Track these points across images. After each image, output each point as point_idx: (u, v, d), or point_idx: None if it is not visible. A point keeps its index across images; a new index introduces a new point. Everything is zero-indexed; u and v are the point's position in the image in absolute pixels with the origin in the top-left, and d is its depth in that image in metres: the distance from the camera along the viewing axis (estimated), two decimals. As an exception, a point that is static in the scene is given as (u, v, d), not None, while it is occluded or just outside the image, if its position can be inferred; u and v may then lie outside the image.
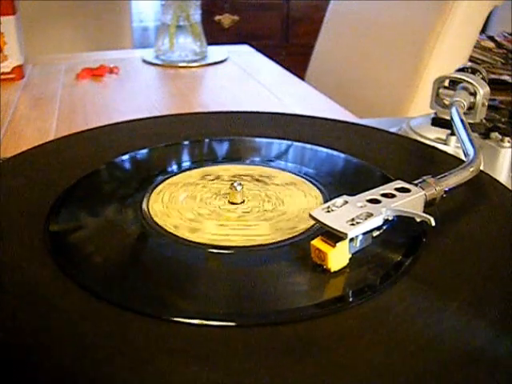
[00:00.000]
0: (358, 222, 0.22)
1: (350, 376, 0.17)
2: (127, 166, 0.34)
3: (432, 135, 0.41)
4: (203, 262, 0.24)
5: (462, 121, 0.33)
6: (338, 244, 0.22)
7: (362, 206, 0.23)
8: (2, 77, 0.76)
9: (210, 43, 0.93)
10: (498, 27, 1.49)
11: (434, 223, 0.22)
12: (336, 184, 0.31)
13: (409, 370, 0.17)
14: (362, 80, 0.92)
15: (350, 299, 0.21)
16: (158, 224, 0.26)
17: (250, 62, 0.92)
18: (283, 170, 0.33)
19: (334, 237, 0.22)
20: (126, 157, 0.34)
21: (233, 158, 0.34)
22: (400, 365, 0.18)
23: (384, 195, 0.24)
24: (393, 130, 0.44)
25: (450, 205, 0.28)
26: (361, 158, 0.33)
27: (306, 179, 0.31)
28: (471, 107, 0.38)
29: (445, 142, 0.40)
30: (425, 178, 0.25)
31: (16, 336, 0.19)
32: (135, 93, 0.74)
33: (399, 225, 0.24)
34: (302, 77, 0.91)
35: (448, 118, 0.37)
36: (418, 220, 0.23)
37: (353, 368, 0.17)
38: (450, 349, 0.18)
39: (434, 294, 0.21)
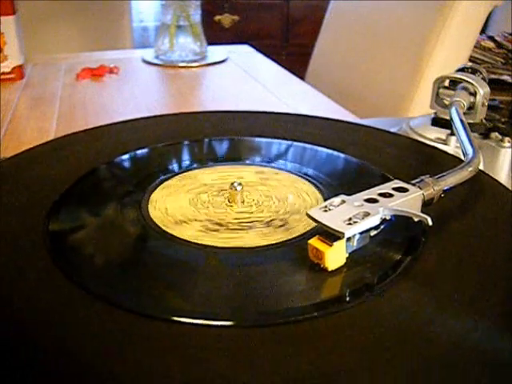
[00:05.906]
0: (355, 222, 0.22)
1: (350, 376, 0.17)
2: (127, 165, 0.34)
3: (432, 135, 0.41)
4: (203, 262, 0.24)
5: (461, 121, 0.33)
6: (335, 243, 0.22)
7: (359, 206, 0.23)
8: (2, 77, 0.76)
9: (210, 43, 0.93)
10: (498, 27, 1.49)
11: (430, 223, 0.22)
12: (335, 184, 0.31)
13: (407, 370, 0.17)
14: (362, 80, 0.92)
15: (348, 299, 0.21)
16: (157, 224, 0.26)
17: (250, 62, 0.92)
18: (281, 169, 0.33)
19: (331, 236, 0.22)
20: (125, 156, 0.34)
21: (232, 157, 0.35)
22: (399, 364, 0.18)
23: (381, 195, 0.24)
24: (393, 130, 0.44)
25: (450, 204, 0.28)
26: (360, 157, 0.33)
27: (306, 178, 0.31)
28: (471, 107, 0.38)
29: (445, 142, 0.40)
30: (423, 177, 0.25)
31: (15, 336, 0.19)
32: (135, 93, 0.74)
33: (397, 224, 0.24)
34: (302, 77, 0.91)
35: (448, 118, 0.37)
36: (416, 220, 0.23)
37: (352, 368, 0.18)
38: (449, 348, 0.18)
39: (432, 293, 0.21)
